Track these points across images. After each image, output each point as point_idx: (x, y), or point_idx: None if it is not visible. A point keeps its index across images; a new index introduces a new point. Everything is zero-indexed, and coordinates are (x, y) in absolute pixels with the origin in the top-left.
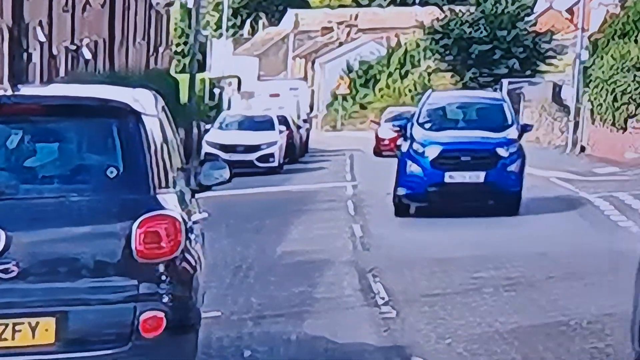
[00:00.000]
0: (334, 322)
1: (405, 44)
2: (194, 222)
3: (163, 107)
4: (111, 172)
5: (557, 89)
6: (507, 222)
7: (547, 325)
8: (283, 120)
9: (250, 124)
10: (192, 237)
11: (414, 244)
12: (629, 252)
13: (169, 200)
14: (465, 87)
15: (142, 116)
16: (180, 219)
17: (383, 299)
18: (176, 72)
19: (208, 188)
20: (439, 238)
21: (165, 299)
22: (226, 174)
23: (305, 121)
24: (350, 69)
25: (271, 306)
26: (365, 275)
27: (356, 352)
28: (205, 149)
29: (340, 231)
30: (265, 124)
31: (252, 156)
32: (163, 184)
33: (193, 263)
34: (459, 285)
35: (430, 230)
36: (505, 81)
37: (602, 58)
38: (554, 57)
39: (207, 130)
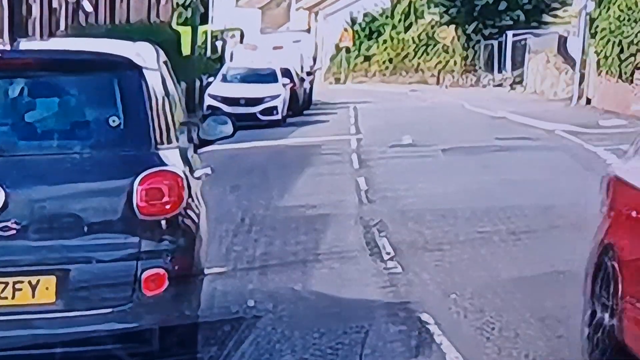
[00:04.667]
0: (339, 276)
1: None
2: (197, 178)
3: (165, 62)
4: (113, 122)
5: (562, 41)
6: (510, 173)
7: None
8: (286, 73)
9: (253, 76)
10: (195, 193)
11: (421, 196)
12: None
13: (170, 157)
14: (469, 39)
15: (144, 70)
16: (183, 175)
17: (389, 254)
18: (178, 25)
19: (211, 142)
20: (443, 186)
21: (168, 257)
22: (229, 128)
23: (308, 74)
24: (354, 21)
25: (277, 257)
26: (370, 230)
27: (362, 307)
28: (208, 101)
29: (345, 185)
30: (268, 77)
31: (255, 109)
32: (165, 140)
33: (195, 220)
34: (465, 238)
35: (434, 179)
36: (509, 33)
37: (608, 9)
38: (559, 9)
39: (209, 83)
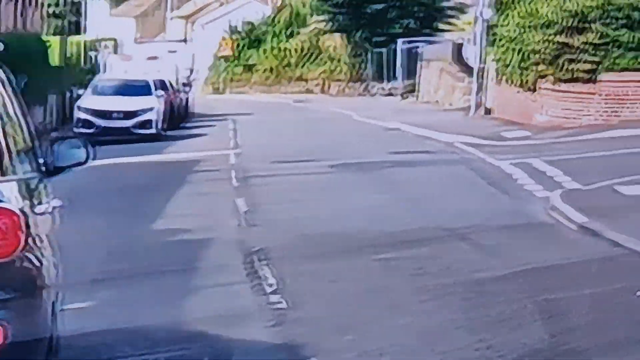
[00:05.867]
0: (216, 313)
1: (291, 2)
2: (43, 213)
3: (3, 80)
4: None
5: (457, 49)
6: (408, 190)
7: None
8: (161, 85)
9: (126, 88)
10: (39, 232)
11: (308, 218)
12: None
13: (5, 191)
14: (356, 46)
15: None
16: (20, 213)
17: (271, 285)
18: (50, 34)
19: (62, 170)
20: (333, 207)
21: (4, 309)
22: (82, 154)
23: (185, 85)
24: (233, 30)
25: (144, 292)
26: (250, 258)
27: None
28: (78, 114)
29: (223, 205)
30: (141, 89)
31: (129, 123)
32: None
33: (39, 262)
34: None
35: (323, 199)
36: (400, 41)
37: (507, 16)
38: (454, 16)
39: (79, 96)
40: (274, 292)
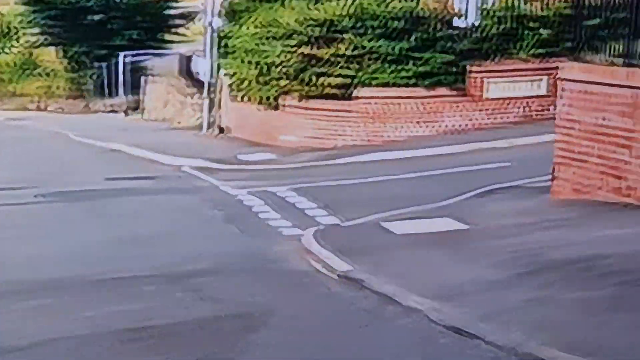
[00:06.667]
0: None
1: (3, 14)
2: None
3: None
4: None
5: (186, 62)
6: (129, 226)
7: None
8: None
9: None
10: None
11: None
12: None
13: None
14: (74, 60)
15: None
16: None
17: None
18: None
19: None
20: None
21: None
22: None
23: None
24: None
25: None
26: None
27: None
28: None
29: None
30: None
31: None
32: None
33: None
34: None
35: (28, 237)
36: (122, 54)
37: (241, 26)
38: (182, 26)
39: None
40: None
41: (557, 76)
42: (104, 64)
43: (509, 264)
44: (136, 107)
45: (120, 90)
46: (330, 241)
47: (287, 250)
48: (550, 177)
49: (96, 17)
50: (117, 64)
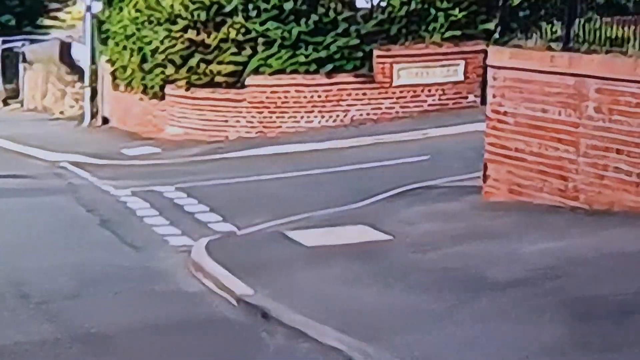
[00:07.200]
0: None
1: None
2: None
3: None
4: None
5: (66, 48)
6: None
7: None
8: None
9: None
10: None
11: None
12: None
13: None
14: None
15: None
16: None
17: None
18: None
19: None
20: None
21: None
22: None
23: None
24: None
25: None
26: None
27: None
28: None
29: None
30: None
31: None
32: None
33: None
34: None
35: None
36: None
37: (121, 10)
38: (60, 10)
39: None
40: None
41: (486, 62)
42: None
43: (443, 285)
44: (15, 96)
45: None
46: (226, 255)
47: (174, 264)
48: (479, 175)
49: None
50: None
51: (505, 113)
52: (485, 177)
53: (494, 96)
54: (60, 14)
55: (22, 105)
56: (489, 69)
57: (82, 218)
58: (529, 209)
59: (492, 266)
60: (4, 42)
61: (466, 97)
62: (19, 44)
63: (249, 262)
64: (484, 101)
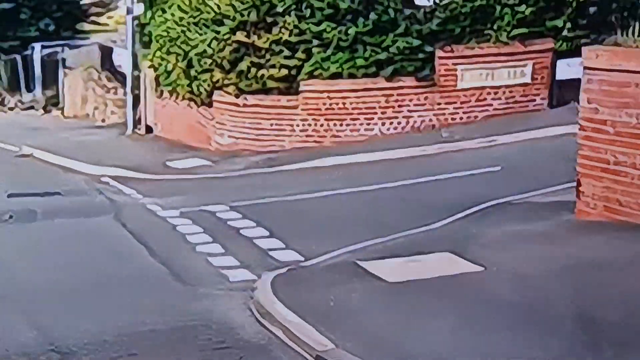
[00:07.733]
0: None
1: None
2: None
3: None
4: None
5: (107, 53)
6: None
7: None
8: None
9: None
10: None
11: None
12: None
13: None
14: None
15: None
16: None
17: None
18: None
19: None
20: None
21: None
22: None
23: None
24: None
25: None
26: None
27: None
28: None
29: None
30: None
31: None
32: None
33: None
34: None
35: None
36: (37, 45)
37: (163, 11)
38: (102, 14)
39: None
40: None
41: (583, 64)
42: (17, 57)
43: (566, 332)
44: (56, 102)
45: (37, 84)
46: (295, 295)
47: (235, 306)
48: (562, 188)
49: (5, 6)
50: (31, 56)
51: (602, 122)
52: (579, 193)
53: (588, 102)
54: (101, 19)
55: (62, 113)
56: (583, 71)
57: (125, 248)
58: (636, 232)
59: (612, 309)
60: (44, 47)
61: (534, 100)
62: (59, 49)
63: (322, 305)
64: (551, 104)
